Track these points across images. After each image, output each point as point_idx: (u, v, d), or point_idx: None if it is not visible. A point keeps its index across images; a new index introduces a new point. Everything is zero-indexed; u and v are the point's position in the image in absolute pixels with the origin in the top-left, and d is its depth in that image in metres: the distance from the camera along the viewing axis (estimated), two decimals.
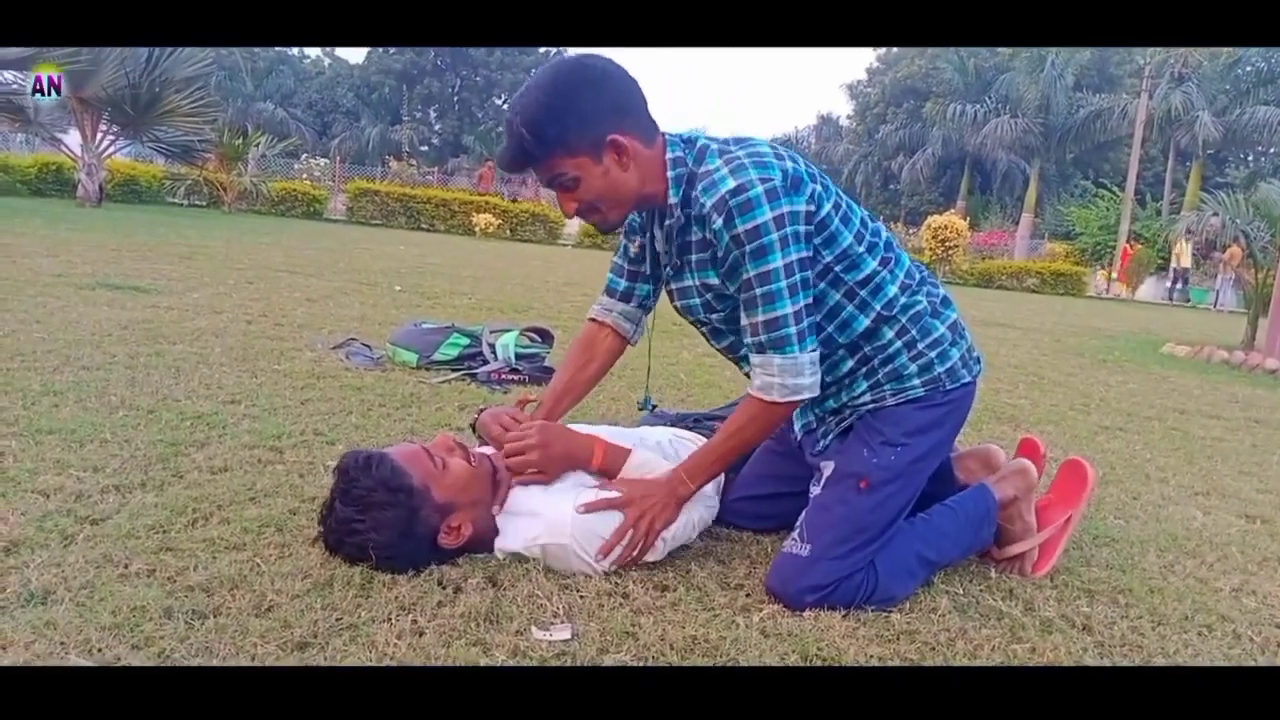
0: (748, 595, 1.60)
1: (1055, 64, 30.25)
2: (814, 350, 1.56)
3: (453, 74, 43.90)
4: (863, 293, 1.61)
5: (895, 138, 37.28)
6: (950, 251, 18.53)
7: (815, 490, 1.68)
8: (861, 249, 1.60)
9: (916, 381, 1.66)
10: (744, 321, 1.57)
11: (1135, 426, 3.72)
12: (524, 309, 5.50)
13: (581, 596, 1.51)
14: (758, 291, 1.51)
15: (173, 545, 1.53)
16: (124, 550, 1.49)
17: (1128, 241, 24.87)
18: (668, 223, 1.61)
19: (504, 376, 3.25)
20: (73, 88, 11.94)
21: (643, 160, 1.53)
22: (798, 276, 1.50)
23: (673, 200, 1.57)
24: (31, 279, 4.51)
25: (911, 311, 1.65)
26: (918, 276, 1.71)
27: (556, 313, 5.49)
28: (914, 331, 1.65)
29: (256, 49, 42.01)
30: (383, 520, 1.48)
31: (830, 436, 1.75)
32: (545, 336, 3.57)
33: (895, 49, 40.26)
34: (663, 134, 1.58)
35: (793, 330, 1.52)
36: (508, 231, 18.18)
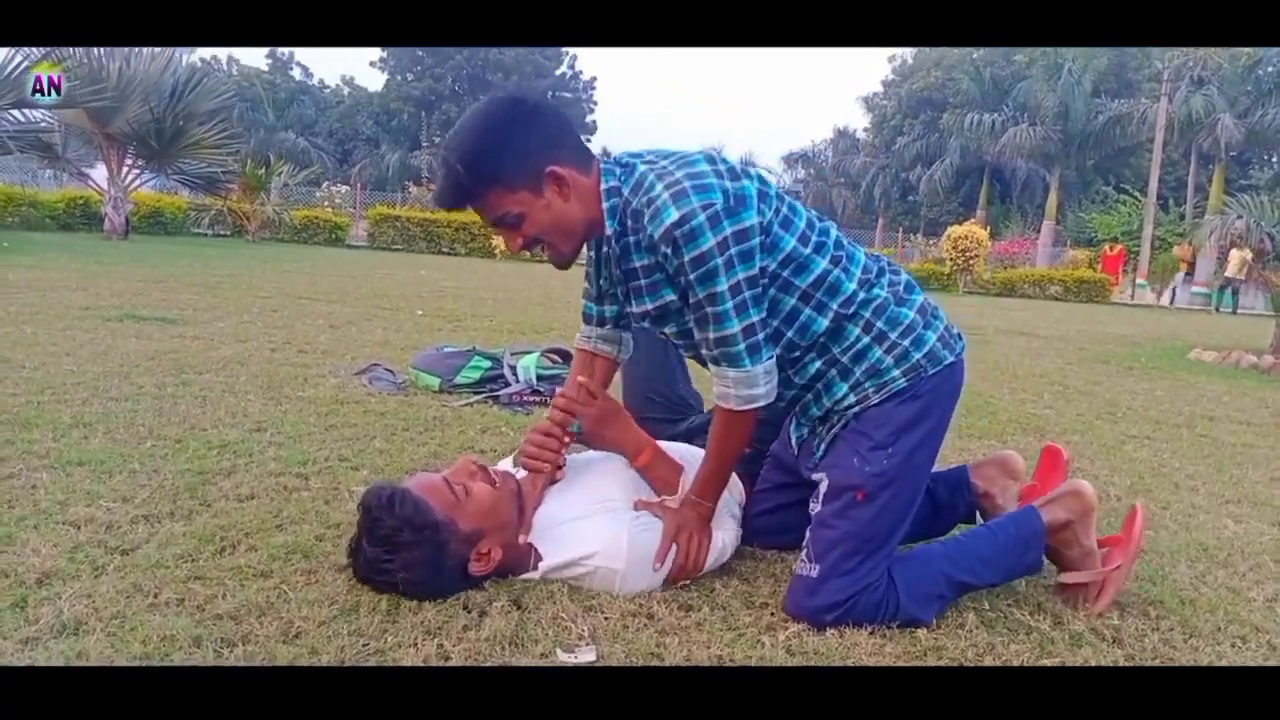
0: (772, 614, 1.59)
1: (1072, 70, 30.07)
2: (769, 360, 1.58)
3: (470, 98, 44.27)
4: (818, 294, 1.60)
5: (913, 149, 37.17)
6: (971, 261, 18.44)
7: (815, 507, 1.65)
8: (808, 250, 1.59)
9: (896, 373, 1.63)
10: (697, 336, 1.59)
11: (1163, 434, 3.68)
12: (544, 330, 5.53)
13: (606, 618, 1.51)
14: (708, 311, 1.53)
15: (201, 574, 1.55)
16: (153, 580, 1.51)
17: (1108, 244, 24.75)
18: (604, 250, 1.65)
19: (526, 398, 3.26)
20: (99, 124, 12.20)
21: (582, 189, 1.54)
22: (745, 294, 1.52)
23: (609, 231, 1.58)
24: (61, 312, 4.59)
25: (874, 305, 1.63)
26: (875, 269, 1.69)
27: (576, 333, 5.49)
28: (880, 324, 1.63)
29: (278, 80, 42.76)
30: (412, 560, 1.48)
31: (824, 446, 1.72)
32: (566, 357, 3.58)
33: (911, 60, 40.29)
34: (597, 161, 1.59)
35: (742, 346, 1.55)
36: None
